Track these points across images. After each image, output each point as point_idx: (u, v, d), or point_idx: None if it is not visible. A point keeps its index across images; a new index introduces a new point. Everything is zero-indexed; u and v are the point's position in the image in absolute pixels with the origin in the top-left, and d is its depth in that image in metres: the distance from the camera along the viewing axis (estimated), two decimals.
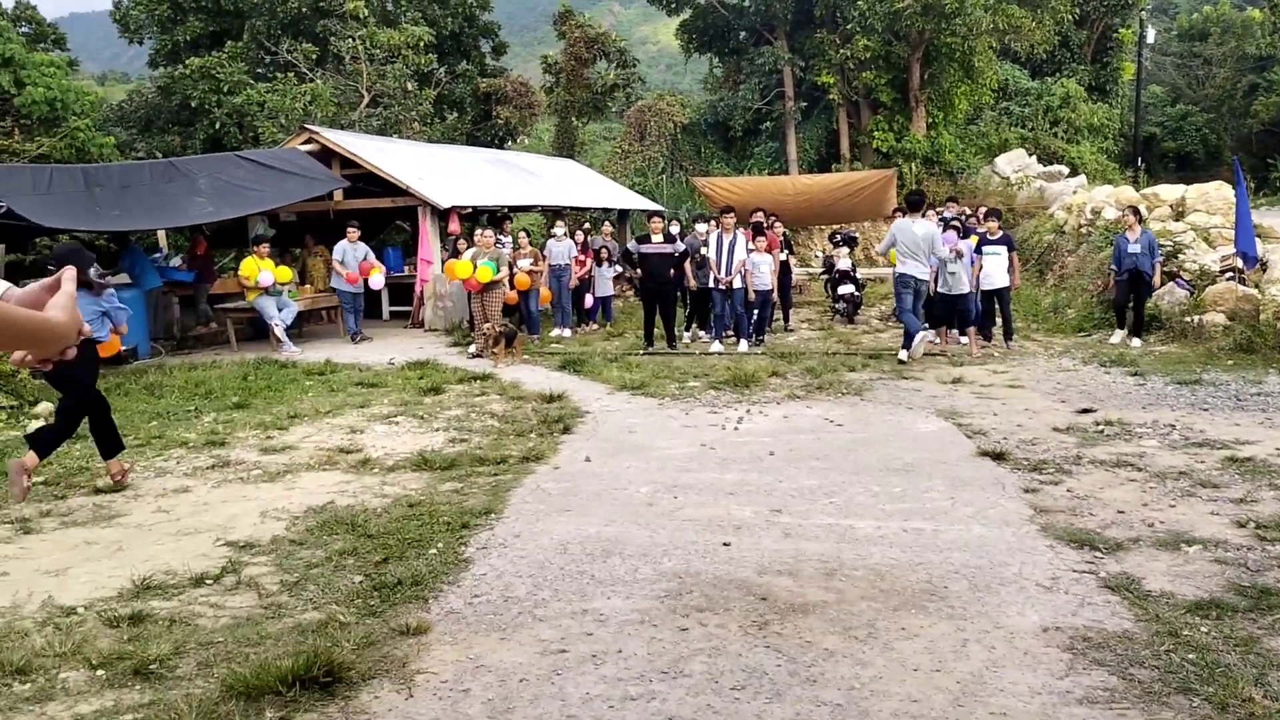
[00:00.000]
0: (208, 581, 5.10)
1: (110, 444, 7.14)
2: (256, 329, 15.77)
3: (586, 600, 4.72)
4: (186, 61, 27.08)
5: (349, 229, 15.70)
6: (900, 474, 6.98)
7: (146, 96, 28.67)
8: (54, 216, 12.87)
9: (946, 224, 13.92)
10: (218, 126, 26.06)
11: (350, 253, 15.64)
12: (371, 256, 15.92)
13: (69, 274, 1.77)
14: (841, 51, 30.82)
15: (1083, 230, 18.81)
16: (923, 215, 12.83)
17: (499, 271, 13.59)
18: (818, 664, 4.00)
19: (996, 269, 13.17)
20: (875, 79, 31.03)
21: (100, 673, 3.99)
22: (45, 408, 10.05)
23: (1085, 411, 8.98)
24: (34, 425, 8.66)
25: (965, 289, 12.79)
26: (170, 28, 30.02)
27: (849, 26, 30.20)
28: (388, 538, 5.69)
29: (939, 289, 12.86)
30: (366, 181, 17.65)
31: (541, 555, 5.40)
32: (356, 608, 4.65)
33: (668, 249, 13.80)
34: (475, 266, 13.43)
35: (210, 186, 15.08)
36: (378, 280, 15.86)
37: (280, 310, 14.82)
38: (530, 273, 14.97)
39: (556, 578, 5.05)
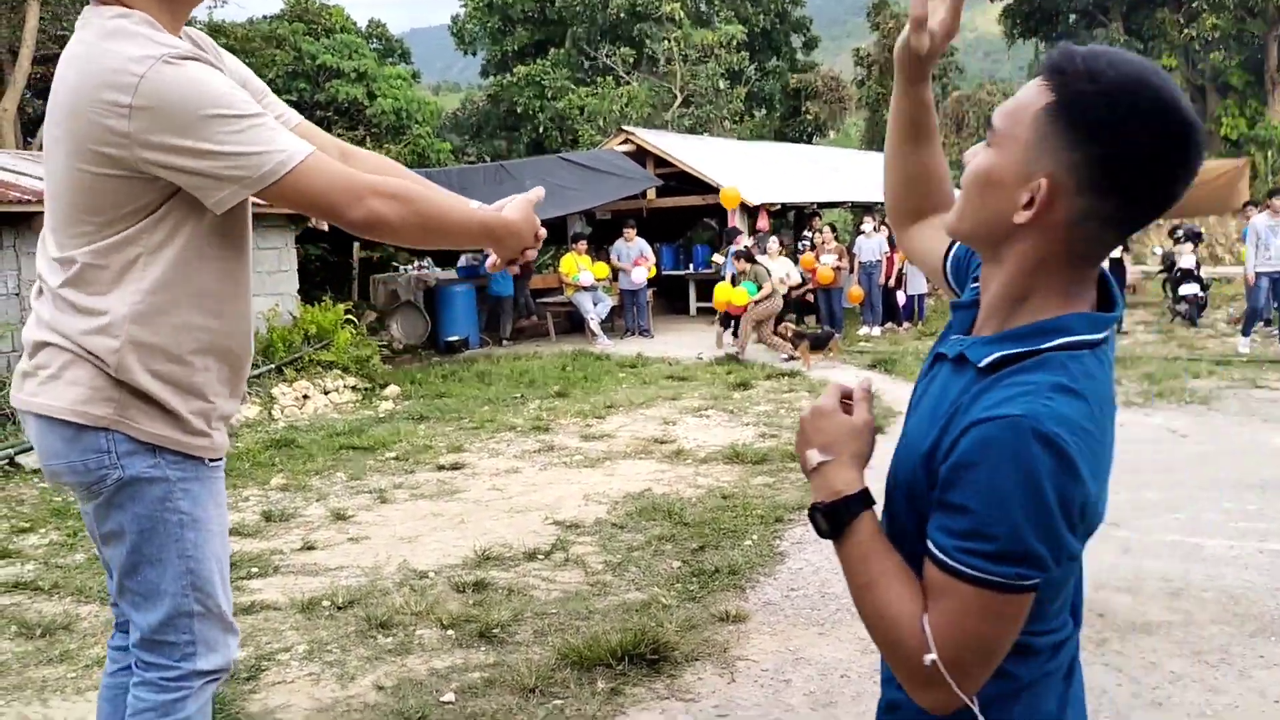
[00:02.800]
0: (539, 557, 5.42)
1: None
2: (573, 322, 16.58)
3: None
4: (514, 70, 28.92)
5: (625, 229, 16.28)
6: (1256, 490, 6.32)
7: (478, 104, 30.91)
8: None
9: None
10: (541, 130, 27.64)
11: (626, 251, 16.14)
12: (647, 252, 16.26)
13: (537, 191, 2.30)
14: (1185, 31, 28.39)
15: None
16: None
17: (758, 291, 13.01)
18: (1163, 687, 3.70)
19: None
20: (1224, 60, 28.35)
21: (450, 632, 4.34)
22: (393, 390, 11.06)
23: None
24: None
25: None
26: (500, 39, 32.17)
27: (1194, 4, 27.75)
28: (703, 527, 5.81)
29: None
30: (678, 180, 18.12)
31: None
32: (676, 592, 4.79)
33: None
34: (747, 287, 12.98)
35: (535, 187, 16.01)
36: (639, 275, 15.98)
37: (595, 305, 15.52)
38: (836, 269, 14.77)
39: None
